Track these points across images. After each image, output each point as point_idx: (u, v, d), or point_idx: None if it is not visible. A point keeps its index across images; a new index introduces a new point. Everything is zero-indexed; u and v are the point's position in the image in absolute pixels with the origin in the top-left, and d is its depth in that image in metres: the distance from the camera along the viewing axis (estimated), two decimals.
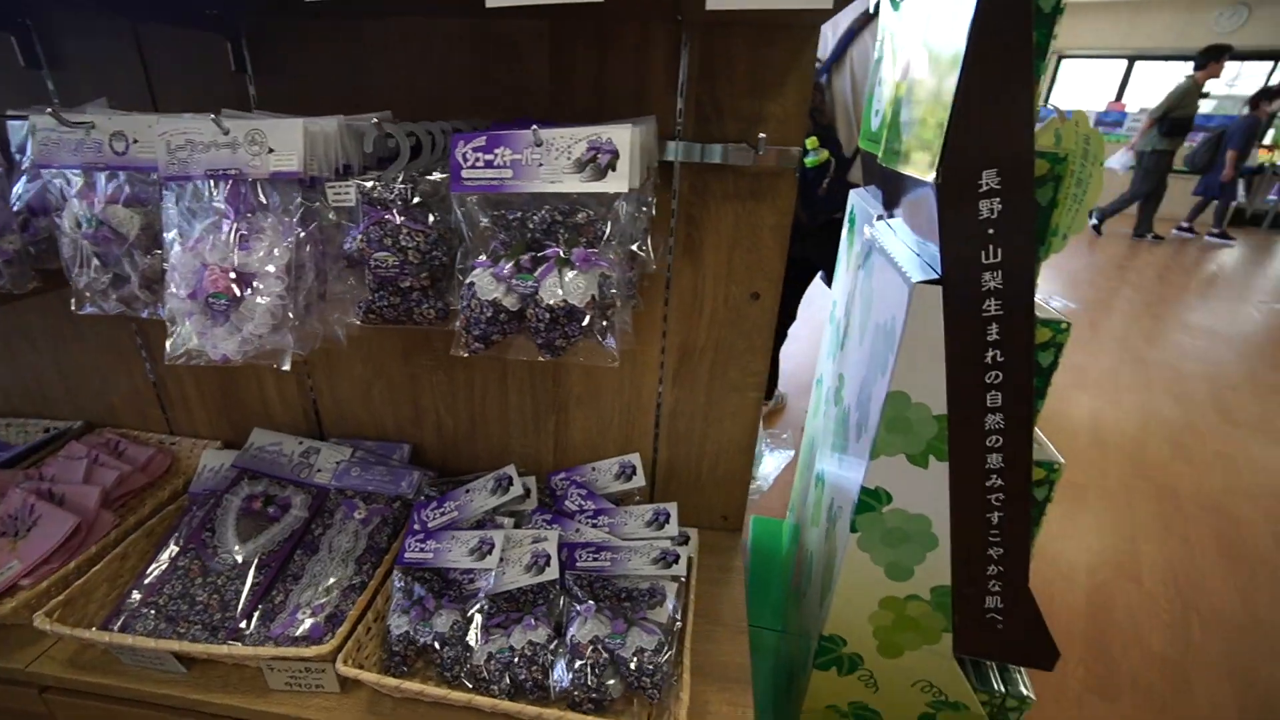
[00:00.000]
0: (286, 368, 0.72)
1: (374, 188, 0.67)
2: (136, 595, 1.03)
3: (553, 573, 0.98)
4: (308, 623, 0.99)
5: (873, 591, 0.96)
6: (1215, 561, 2.14)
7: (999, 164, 0.66)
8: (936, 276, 0.74)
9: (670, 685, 0.89)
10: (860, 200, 1.31)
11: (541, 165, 0.62)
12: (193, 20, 0.95)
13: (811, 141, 1.97)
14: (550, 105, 0.98)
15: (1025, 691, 0.98)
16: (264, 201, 0.69)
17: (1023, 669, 1.02)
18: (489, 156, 0.63)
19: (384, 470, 1.23)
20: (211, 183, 0.69)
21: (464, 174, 0.64)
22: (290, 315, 0.71)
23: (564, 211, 0.63)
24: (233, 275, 0.68)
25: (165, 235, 0.70)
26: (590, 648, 0.89)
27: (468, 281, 0.65)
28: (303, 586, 1.06)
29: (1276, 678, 1.74)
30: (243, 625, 1.00)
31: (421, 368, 1.24)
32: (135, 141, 0.72)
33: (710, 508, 1.30)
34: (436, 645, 0.93)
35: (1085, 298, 4.97)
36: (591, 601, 0.94)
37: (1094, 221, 7.38)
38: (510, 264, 0.63)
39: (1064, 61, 9.44)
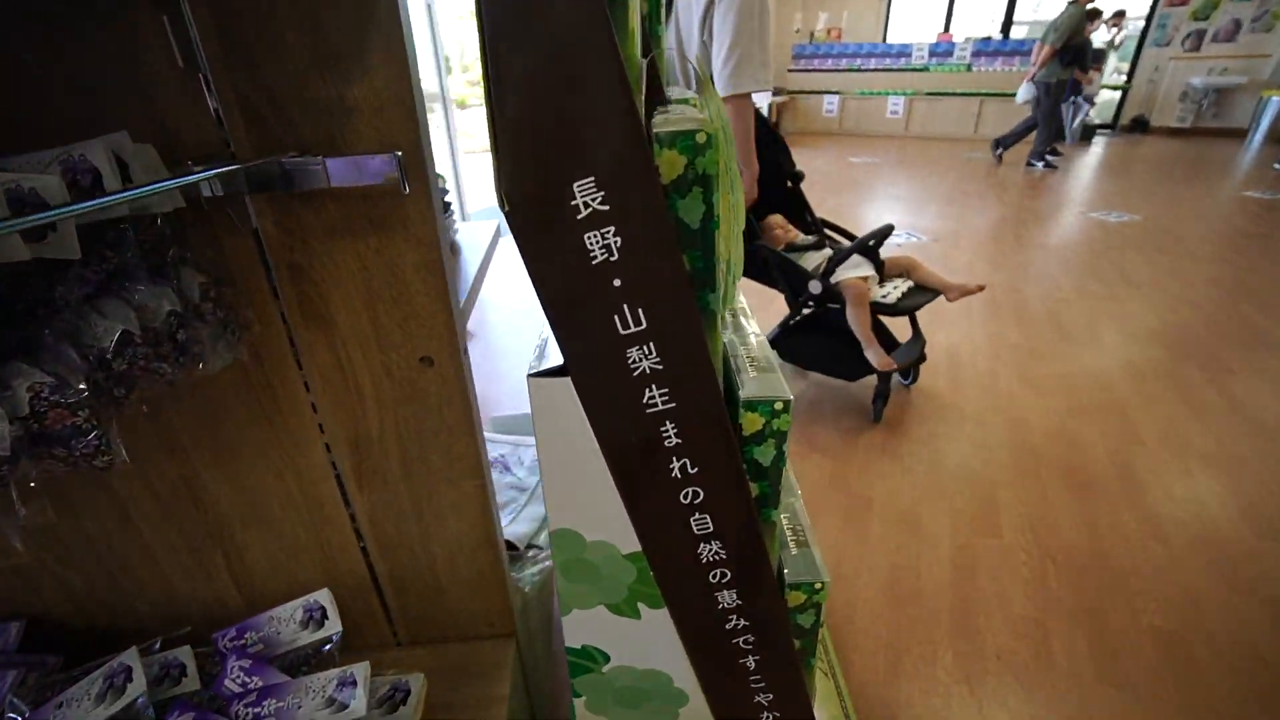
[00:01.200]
0: None
1: None
2: None
3: None
4: None
5: None
6: (1064, 497, 2.13)
7: (596, 167, 0.38)
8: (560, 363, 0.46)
9: None
10: None
11: None
12: None
13: None
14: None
15: None
16: None
17: None
18: None
19: None
20: None
21: None
22: None
23: None
24: None
25: None
26: None
27: None
28: None
29: (1118, 613, 1.72)
30: None
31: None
32: None
33: (467, 615, 1.01)
34: None
35: (937, 229, 5.07)
36: None
37: (997, 151, 7.38)
38: None
39: None
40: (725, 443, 0.47)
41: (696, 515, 0.51)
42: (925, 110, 9.41)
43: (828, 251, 2.43)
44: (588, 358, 0.43)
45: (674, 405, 0.45)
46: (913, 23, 9.67)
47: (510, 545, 1.13)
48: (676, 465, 0.48)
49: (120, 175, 0.52)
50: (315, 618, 0.86)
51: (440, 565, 0.95)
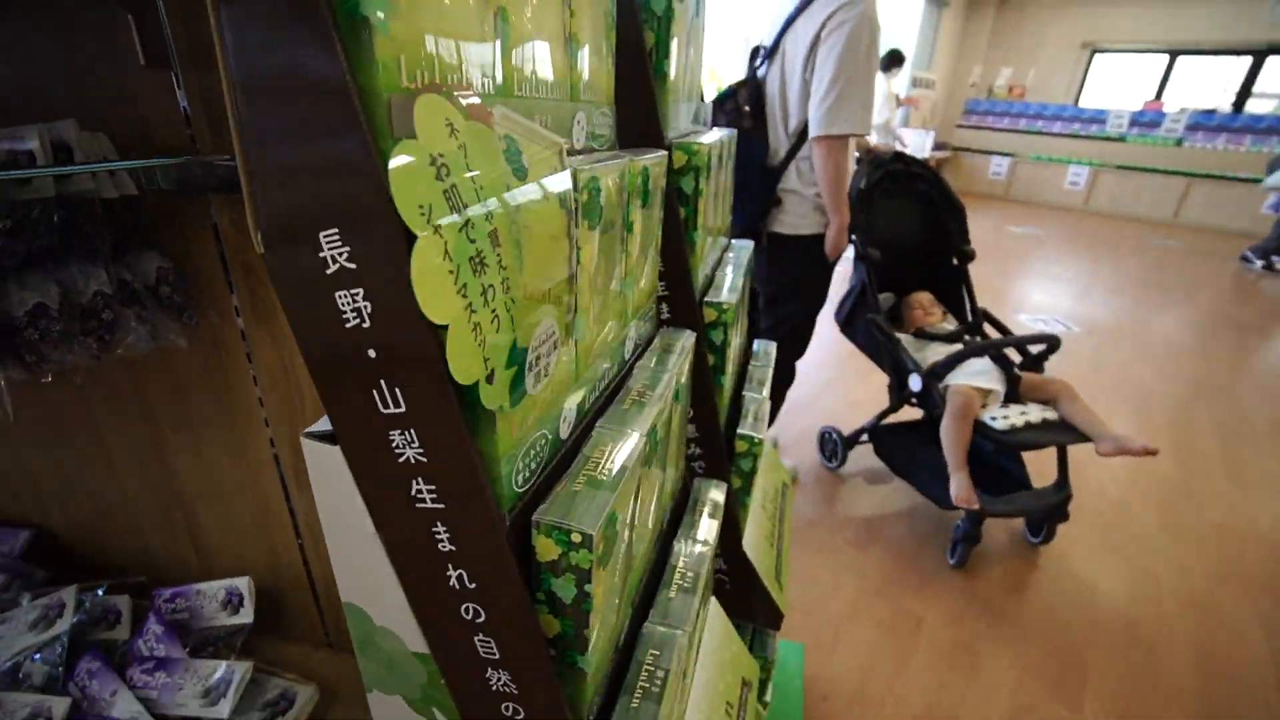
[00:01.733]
0: None
1: None
2: None
3: None
4: None
5: None
6: (1185, 686, 1.70)
7: (338, 216, 0.32)
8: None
9: None
10: None
11: None
12: None
13: None
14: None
15: None
16: None
17: None
18: None
19: None
20: None
21: None
22: None
23: None
24: None
25: None
26: None
27: None
28: None
29: None
30: None
31: (30, 439, 0.96)
32: None
33: None
34: None
35: (1094, 320, 4.41)
36: None
37: (1259, 263, 5.95)
38: None
39: (1097, 56, 8.66)
40: (500, 566, 0.39)
41: (481, 636, 0.43)
42: (1113, 184, 8.33)
43: (958, 347, 2.03)
44: (352, 430, 0.38)
45: (443, 507, 0.38)
46: (1113, 87, 8.62)
47: None
48: (453, 575, 0.41)
49: (53, 159, 0.55)
50: (234, 603, 0.87)
51: None
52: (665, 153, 0.66)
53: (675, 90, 0.77)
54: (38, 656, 0.81)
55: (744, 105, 1.85)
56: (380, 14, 0.28)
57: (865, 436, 2.35)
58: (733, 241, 1.17)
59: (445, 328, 0.31)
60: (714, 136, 0.86)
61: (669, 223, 0.71)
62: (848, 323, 2.30)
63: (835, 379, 3.27)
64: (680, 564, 0.62)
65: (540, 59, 0.44)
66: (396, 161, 0.28)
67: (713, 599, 0.75)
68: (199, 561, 1.00)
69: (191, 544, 0.98)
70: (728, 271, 0.98)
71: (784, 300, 2.04)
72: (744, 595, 0.94)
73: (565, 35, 0.49)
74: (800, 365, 2.27)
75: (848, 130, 1.67)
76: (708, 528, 0.69)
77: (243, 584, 0.87)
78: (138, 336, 0.66)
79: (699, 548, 0.65)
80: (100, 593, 0.91)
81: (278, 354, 0.76)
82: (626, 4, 0.65)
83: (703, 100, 1.05)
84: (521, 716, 0.45)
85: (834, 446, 2.46)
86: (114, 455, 0.93)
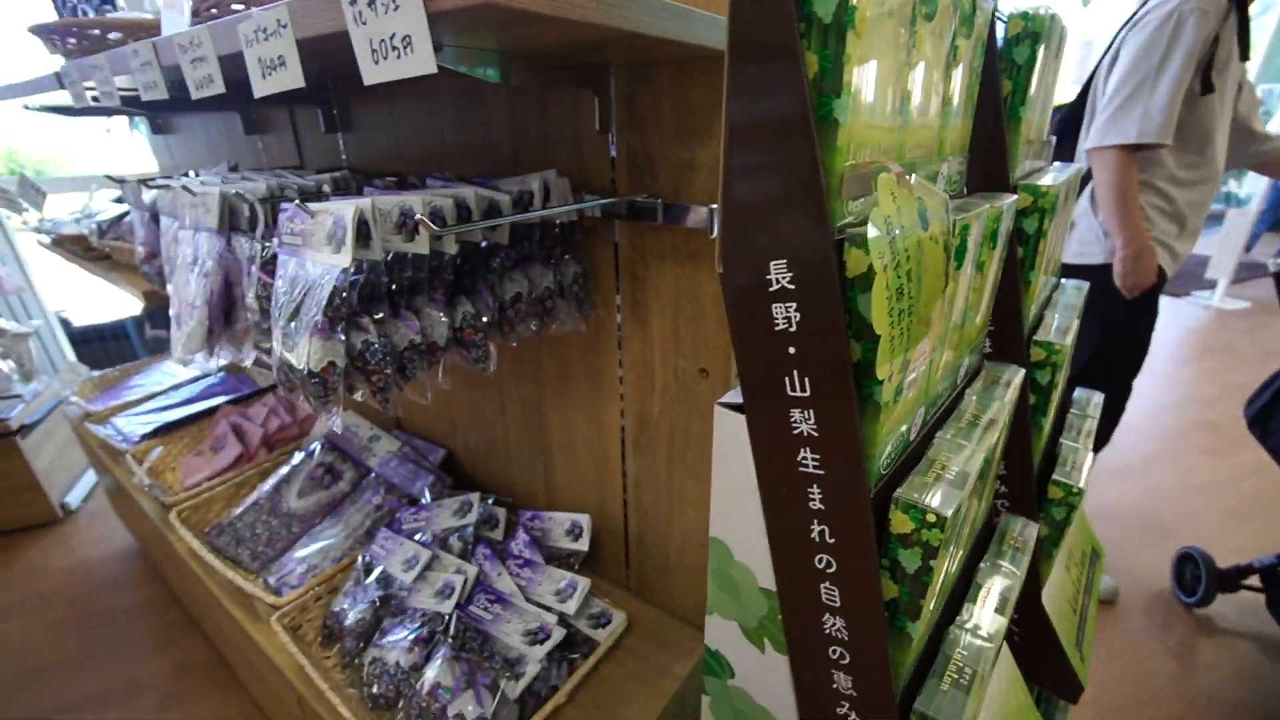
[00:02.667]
0: (210, 366, 0.90)
1: (251, 247, 0.80)
2: (227, 519, 1.38)
3: (449, 606, 1.01)
4: (298, 574, 1.20)
5: None
6: None
7: (789, 253, 0.46)
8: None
9: None
10: None
11: (313, 235, 0.66)
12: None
13: None
14: (510, 158, 1.00)
15: None
16: (207, 246, 0.87)
17: None
18: (293, 225, 0.69)
19: (413, 469, 1.40)
20: (192, 231, 0.90)
21: (283, 239, 0.71)
22: (220, 337, 0.88)
23: (320, 278, 0.66)
24: (184, 300, 0.88)
25: (175, 268, 0.94)
26: (430, 694, 0.90)
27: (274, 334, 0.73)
28: (316, 546, 1.28)
29: None
30: (269, 560, 1.26)
31: (456, 384, 1.38)
32: (171, 197, 0.97)
33: (681, 597, 1.16)
34: (346, 633, 1.04)
35: None
36: (450, 649, 0.94)
37: None
38: (285, 323, 0.69)
39: None
40: (861, 525, 0.49)
41: (827, 584, 0.53)
42: None
43: None
44: (760, 405, 0.52)
45: (822, 473, 0.50)
46: None
47: None
48: (817, 529, 0.52)
49: (544, 197, 0.82)
50: (575, 533, 1.13)
51: (673, 546, 1.11)
52: (1015, 196, 0.69)
53: (1025, 134, 0.78)
54: (456, 535, 1.17)
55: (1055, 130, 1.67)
56: (844, 117, 0.41)
57: (1257, 579, 1.70)
58: (1064, 281, 1.10)
59: (878, 338, 0.42)
60: (1058, 176, 0.84)
61: (1008, 261, 0.74)
62: (1263, 418, 1.66)
63: (1165, 451, 2.65)
64: (985, 584, 0.65)
65: (925, 126, 0.53)
66: (874, 224, 0.39)
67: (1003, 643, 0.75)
68: (545, 497, 1.30)
69: (544, 482, 1.29)
70: (1057, 311, 0.93)
71: (1082, 347, 1.69)
72: (1035, 652, 0.88)
73: (942, 101, 0.57)
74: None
75: (1119, 139, 1.40)
76: (1014, 560, 0.69)
77: (584, 519, 1.13)
78: (561, 321, 0.92)
79: (1004, 579, 0.67)
80: (490, 502, 1.26)
81: (642, 347, 0.98)
82: (991, 59, 0.70)
83: (1046, 139, 1.01)
84: (847, 661, 0.54)
85: (1197, 579, 1.81)
86: (507, 405, 1.27)
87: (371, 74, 0.51)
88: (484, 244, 0.81)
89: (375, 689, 0.95)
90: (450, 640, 0.97)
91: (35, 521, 2.30)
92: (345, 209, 0.62)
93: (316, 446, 1.51)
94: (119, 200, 1.68)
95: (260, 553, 1.30)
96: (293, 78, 0.60)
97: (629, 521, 1.17)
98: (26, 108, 1.63)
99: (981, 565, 0.68)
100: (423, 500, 1.29)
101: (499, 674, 0.93)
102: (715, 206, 0.77)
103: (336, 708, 0.95)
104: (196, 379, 2.05)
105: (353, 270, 0.64)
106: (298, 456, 1.51)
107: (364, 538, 1.28)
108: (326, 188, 0.92)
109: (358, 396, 0.72)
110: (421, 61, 0.48)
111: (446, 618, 1.00)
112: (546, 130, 0.94)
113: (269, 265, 0.79)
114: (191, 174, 1.09)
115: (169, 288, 0.94)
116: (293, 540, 1.31)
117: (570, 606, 0.99)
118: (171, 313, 0.94)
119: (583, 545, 1.12)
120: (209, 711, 1.66)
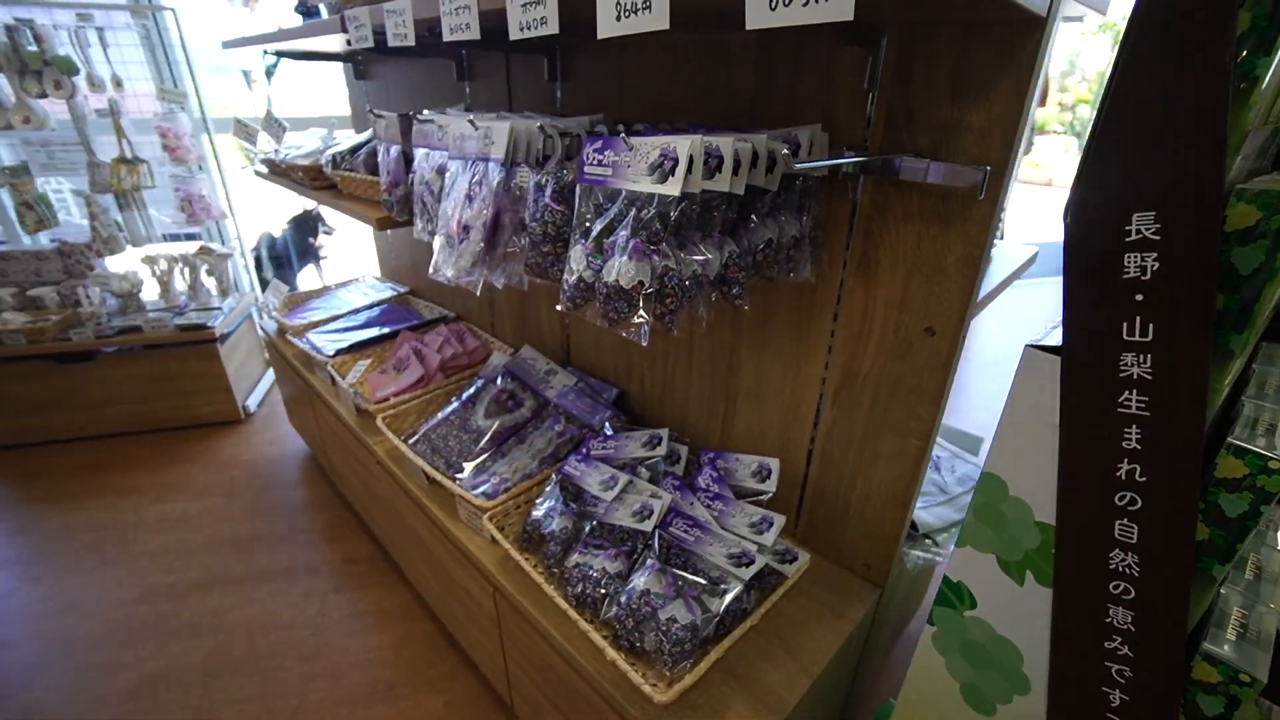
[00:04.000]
0: (477, 291, 1.01)
1: (540, 176, 0.88)
2: (420, 431, 1.54)
3: (648, 525, 1.10)
4: (493, 484, 1.34)
5: (943, 710, 0.81)
6: None
7: (1159, 205, 0.49)
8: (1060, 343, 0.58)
9: (687, 665, 0.93)
10: None
11: (629, 167, 0.73)
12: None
13: None
14: (750, 110, 1.04)
15: None
16: (485, 175, 0.97)
17: None
18: (601, 157, 0.76)
19: (590, 403, 1.51)
20: (466, 161, 1.00)
21: (586, 169, 0.79)
22: (487, 259, 0.99)
23: (639, 203, 0.73)
24: (459, 223, 0.99)
25: (444, 196, 1.05)
26: (641, 597, 1.00)
27: (569, 254, 0.81)
28: (504, 462, 1.42)
29: None
30: (464, 469, 1.41)
31: None
32: (444, 130, 1.08)
33: (853, 549, 1.21)
34: (549, 539, 1.16)
35: None
36: (657, 561, 1.04)
37: None
38: (592, 244, 0.76)
39: None
40: (1188, 468, 0.52)
41: (1124, 521, 0.56)
42: None
43: None
44: (1085, 348, 0.55)
45: (1148, 414, 0.52)
46: None
47: (912, 524, 1.26)
48: (1124, 468, 0.55)
49: (808, 150, 0.86)
50: (762, 474, 1.20)
51: (854, 498, 1.16)
52: None
53: None
54: (646, 465, 1.26)
55: None
56: (1265, 75, 0.42)
57: None
58: None
59: (1234, 292, 0.45)
60: None
61: None
62: None
63: None
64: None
65: None
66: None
67: None
68: (720, 440, 1.37)
69: (722, 426, 1.36)
70: None
71: None
72: None
73: None
74: None
75: None
76: None
77: (773, 463, 1.19)
78: (798, 270, 0.96)
79: None
80: (674, 437, 1.34)
81: (865, 302, 1.01)
82: None
83: None
84: (1131, 597, 0.58)
85: None
86: (695, 351, 1.34)
87: (608, 28, 0.60)
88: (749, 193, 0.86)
89: (581, 589, 1.07)
90: (655, 554, 1.06)
91: (224, 419, 2.63)
92: (679, 143, 0.68)
93: (498, 375, 1.64)
94: (328, 140, 1.85)
95: (454, 462, 1.45)
96: (551, 27, 0.73)
97: (809, 470, 1.22)
98: (266, 53, 1.83)
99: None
100: (606, 432, 1.39)
101: (703, 590, 1.01)
102: (989, 168, 0.79)
103: (552, 598, 1.07)
104: (372, 305, 2.25)
105: (675, 199, 0.71)
106: (479, 382, 1.66)
107: (549, 459, 1.40)
108: (601, 128, 0.99)
109: (639, 319, 0.80)
110: (657, 19, 0.57)
111: (649, 535, 1.10)
112: (795, 85, 0.97)
113: (558, 195, 0.87)
114: (450, 112, 1.20)
115: (441, 210, 1.05)
116: (481, 454, 1.45)
117: (767, 538, 1.07)
118: (438, 239, 1.06)
119: (769, 487, 1.18)
120: (376, 597, 1.88)
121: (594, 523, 1.16)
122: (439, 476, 1.35)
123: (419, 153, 1.20)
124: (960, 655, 0.76)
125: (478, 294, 1.02)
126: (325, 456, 2.22)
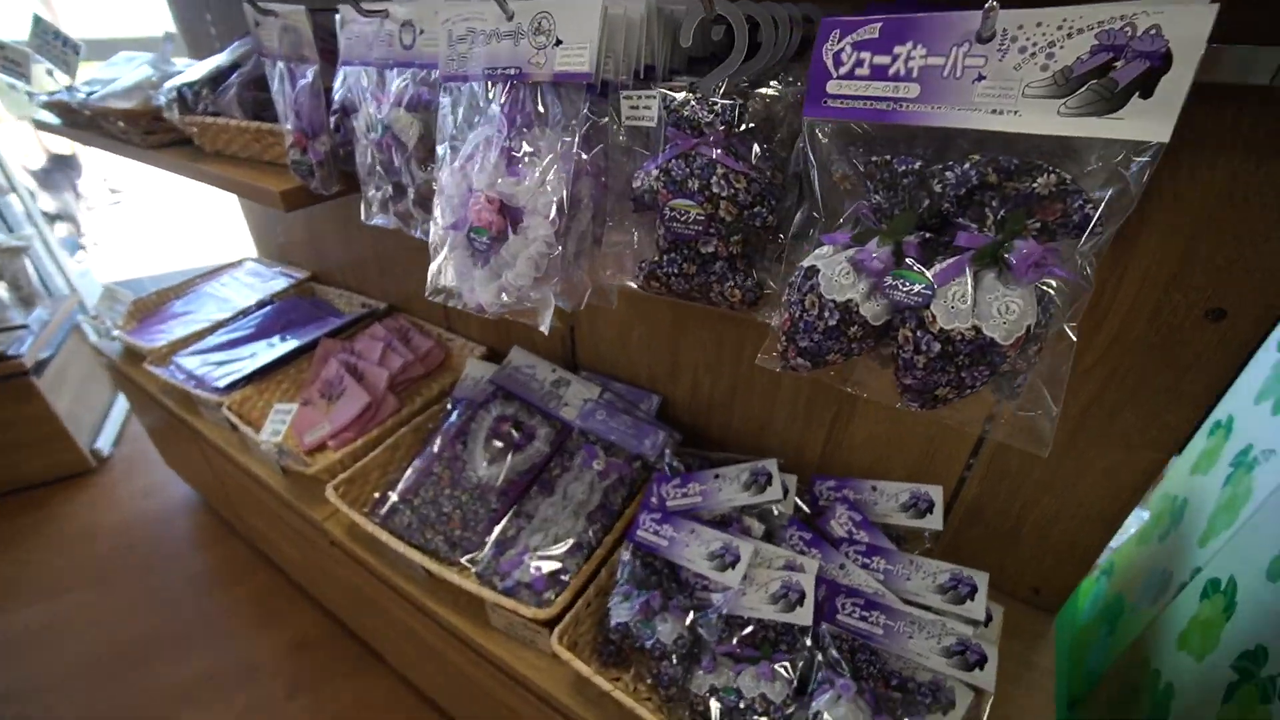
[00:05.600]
0: (545, 329, 0.58)
1: (685, 101, 0.46)
2: (393, 496, 1.08)
3: (806, 616, 0.77)
4: (533, 569, 0.94)
5: None
6: None
7: None
8: None
9: None
10: None
11: (983, 79, 0.34)
12: None
13: None
14: None
15: None
16: (543, 112, 0.52)
17: None
18: (882, 59, 0.36)
19: (629, 421, 1.12)
20: (489, 85, 0.54)
21: (831, 86, 0.38)
22: (559, 266, 0.55)
23: (1009, 169, 0.35)
24: (499, 207, 0.54)
25: (438, 148, 0.59)
26: None
27: (806, 264, 0.41)
28: (534, 528, 1.01)
29: None
30: (477, 551, 0.99)
31: (693, 317, 1.07)
32: (422, 32, 0.60)
33: (1019, 572, 0.96)
34: (656, 654, 0.80)
35: None
36: (850, 680, 0.72)
37: None
38: (887, 248, 0.37)
39: None
40: None
41: None
42: None
43: None
44: None
45: None
46: None
47: None
48: None
49: None
50: (920, 507, 0.89)
51: (1037, 515, 0.89)
52: None
53: None
54: (755, 514, 0.91)
55: None
56: None
57: None
58: None
59: None
60: None
61: None
62: None
63: None
64: None
65: None
66: None
67: None
68: (821, 452, 1.05)
69: (826, 436, 1.03)
70: None
71: None
72: None
73: None
74: None
75: None
76: None
77: (935, 492, 0.88)
78: None
79: None
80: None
81: (1104, 271, 0.69)
82: None
83: None
84: None
85: None
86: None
87: None
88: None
89: None
90: (833, 664, 0.74)
91: (66, 472, 1.94)
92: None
93: (488, 396, 1.20)
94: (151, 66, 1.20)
95: (458, 538, 1.03)
96: None
97: (965, 486, 0.93)
98: None
99: None
100: (665, 465, 1.02)
101: (921, 709, 0.71)
102: None
103: None
104: (262, 304, 1.66)
105: None
106: (459, 409, 1.20)
107: (600, 514, 1.02)
108: None
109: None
110: None
111: (807, 633, 0.77)
112: None
113: (738, 138, 0.45)
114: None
115: (443, 185, 0.59)
116: (496, 520, 1.04)
117: (975, 609, 0.77)
118: (442, 233, 0.60)
119: (932, 523, 0.88)
120: (353, 693, 1.44)
121: (713, 616, 0.82)
122: (449, 575, 0.92)
123: (352, 76, 0.70)
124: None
125: (544, 328, 0.58)
126: (230, 508, 1.67)
